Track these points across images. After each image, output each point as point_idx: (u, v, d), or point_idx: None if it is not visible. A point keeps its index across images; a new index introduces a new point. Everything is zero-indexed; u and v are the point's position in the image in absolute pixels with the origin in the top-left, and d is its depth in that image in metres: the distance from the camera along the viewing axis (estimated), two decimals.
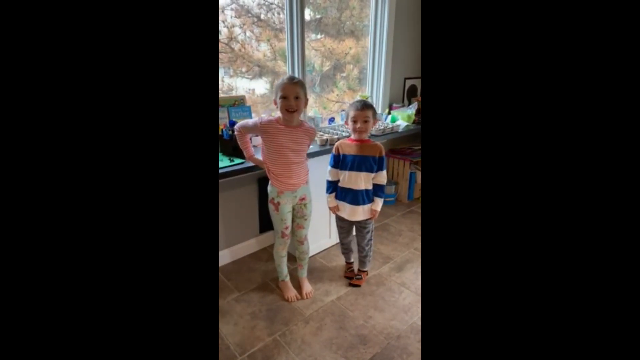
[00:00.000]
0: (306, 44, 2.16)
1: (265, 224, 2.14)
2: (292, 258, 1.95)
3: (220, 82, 1.95)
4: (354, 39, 2.55)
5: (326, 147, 1.90)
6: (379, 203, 1.69)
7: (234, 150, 1.68)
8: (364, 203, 1.67)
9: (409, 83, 2.93)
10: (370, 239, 1.82)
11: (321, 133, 2.07)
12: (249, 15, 1.96)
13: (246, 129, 1.54)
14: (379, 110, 2.74)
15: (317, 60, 2.41)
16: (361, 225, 1.77)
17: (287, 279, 1.79)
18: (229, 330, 1.55)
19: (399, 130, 2.40)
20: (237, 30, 1.94)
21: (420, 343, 1.48)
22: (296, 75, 2.12)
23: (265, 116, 1.53)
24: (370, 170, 1.64)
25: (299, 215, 1.66)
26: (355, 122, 1.60)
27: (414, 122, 2.53)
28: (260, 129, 1.49)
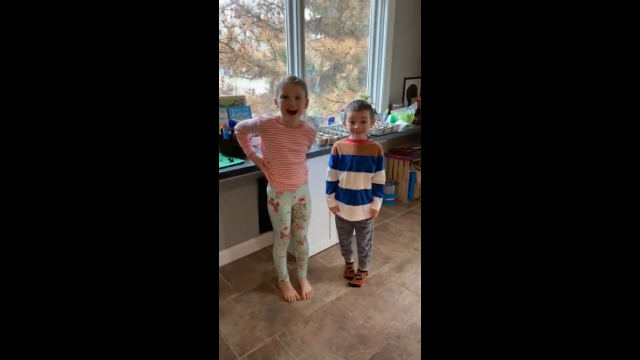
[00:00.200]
0: (306, 44, 2.16)
1: (265, 224, 2.14)
2: (291, 258, 1.95)
3: (220, 82, 1.95)
4: (354, 39, 2.55)
5: (326, 147, 1.90)
6: (378, 203, 1.69)
7: (234, 151, 1.68)
8: (363, 203, 1.67)
9: (409, 83, 2.93)
10: (370, 239, 1.81)
11: (321, 133, 2.07)
12: (249, 15, 1.96)
13: (246, 129, 1.54)
14: (379, 110, 2.74)
15: (317, 60, 2.41)
16: (361, 226, 1.77)
17: (287, 279, 1.79)
18: (228, 331, 1.55)
19: (399, 130, 2.40)
20: (237, 30, 1.93)
21: (420, 343, 1.48)
22: (296, 75, 2.12)
23: (265, 115, 1.53)
24: (369, 170, 1.64)
25: (298, 215, 1.66)
26: (353, 122, 1.60)
27: (413, 122, 2.53)
28: (260, 127, 1.49)
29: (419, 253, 2.16)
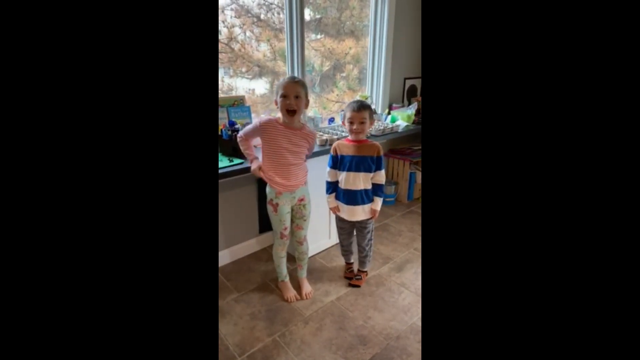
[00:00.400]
0: (306, 44, 2.16)
1: (265, 224, 2.14)
2: (291, 258, 1.95)
3: (220, 82, 1.95)
4: (353, 39, 2.55)
5: (326, 147, 1.90)
6: (378, 202, 1.69)
7: (234, 151, 1.68)
8: (363, 203, 1.67)
9: (408, 83, 2.93)
10: (371, 239, 1.81)
11: (321, 133, 2.07)
12: (249, 15, 1.96)
13: (248, 134, 1.53)
14: (378, 110, 2.74)
15: (317, 60, 2.41)
16: (361, 225, 1.77)
17: (287, 279, 1.79)
18: (228, 331, 1.55)
19: (399, 131, 2.40)
20: (237, 30, 1.93)
21: (420, 343, 1.47)
22: (296, 75, 2.11)
23: (264, 116, 1.53)
24: (368, 170, 1.63)
25: (298, 216, 1.66)
26: (352, 123, 1.59)
27: (413, 122, 2.53)
28: (260, 128, 1.48)
29: (419, 253, 2.16)
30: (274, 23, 2.07)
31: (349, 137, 1.66)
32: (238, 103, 1.93)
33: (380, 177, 1.66)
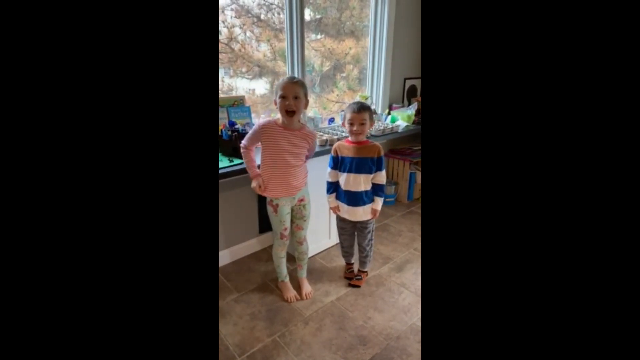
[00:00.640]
0: (306, 44, 2.16)
1: (265, 224, 2.13)
2: (291, 258, 1.95)
3: (220, 83, 1.95)
4: (354, 39, 2.55)
5: (326, 147, 1.90)
6: (379, 202, 1.69)
7: (234, 151, 1.67)
8: (364, 204, 1.67)
9: (408, 83, 2.93)
10: (371, 239, 1.81)
11: (321, 133, 2.07)
12: (249, 15, 1.96)
13: (250, 141, 1.51)
14: (379, 111, 2.74)
15: (317, 61, 2.41)
16: (362, 225, 1.77)
17: (287, 279, 1.79)
18: (228, 331, 1.55)
19: (399, 131, 2.40)
20: (237, 30, 1.93)
21: (420, 344, 1.47)
22: (296, 75, 2.12)
23: (263, 117, 1.52)
24: (369, 172, 1.63)
25: (298, 216, 1.66)
26: (352, 124, 1.59)
27: (413, 123, 2.53)
28: (259, 131, 1.48)
29: (419, 253, 2.16)
30: (274, 23, 2.07)
31: (349, 139, 1.66)
32: (238, 103, 1.94)
33: (381, 177, 1.66)
